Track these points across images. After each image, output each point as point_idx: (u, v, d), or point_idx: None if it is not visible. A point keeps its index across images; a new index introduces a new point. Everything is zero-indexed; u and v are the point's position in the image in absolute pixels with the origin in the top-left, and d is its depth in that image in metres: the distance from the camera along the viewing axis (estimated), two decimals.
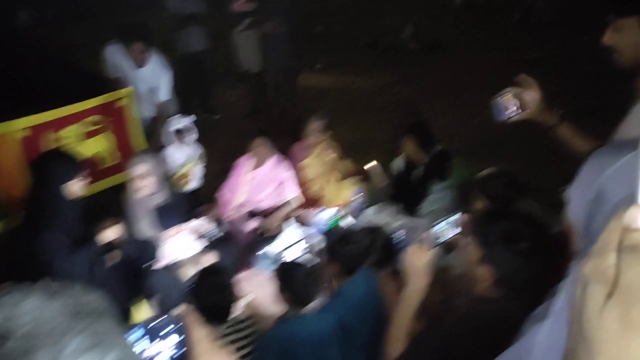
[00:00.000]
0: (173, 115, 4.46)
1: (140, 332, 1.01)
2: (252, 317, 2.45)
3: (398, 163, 4.06)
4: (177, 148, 4.20)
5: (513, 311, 1.70)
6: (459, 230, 1.87)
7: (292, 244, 2.81)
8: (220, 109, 6.68)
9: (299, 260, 2.50)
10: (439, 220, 1.91)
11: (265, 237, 3.80)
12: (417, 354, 1.72)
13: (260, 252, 3.77)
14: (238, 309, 2.45)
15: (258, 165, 4.06)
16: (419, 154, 3.83)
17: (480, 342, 1.64)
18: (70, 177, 2.73)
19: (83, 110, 3.79)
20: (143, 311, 3.08)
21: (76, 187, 2.78)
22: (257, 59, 6.20)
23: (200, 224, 3.56)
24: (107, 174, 4.11)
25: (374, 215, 4.03)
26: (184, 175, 4.03)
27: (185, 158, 4.20)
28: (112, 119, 4.11)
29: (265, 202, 4.13)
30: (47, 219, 2.66)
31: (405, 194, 4.00)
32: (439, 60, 7.85)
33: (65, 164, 2.78)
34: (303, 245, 2.82)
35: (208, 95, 6.60)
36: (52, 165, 2.74)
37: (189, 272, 3.34)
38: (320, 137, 4.20)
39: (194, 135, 4.23)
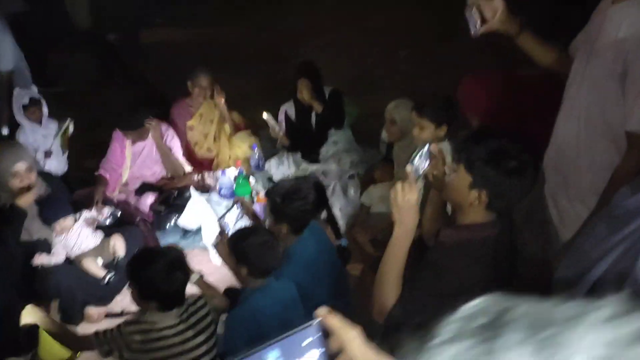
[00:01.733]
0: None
1: (275, 353, 0.75)
2: (203, 296, 2.16)
3: (289, 110, 3.85)
4: (31, 129, 3.51)
5: (506, 233, 1.68)
6: (430, 161, 1.78)
7: (225, 212, 2.51)
8: (61, 80, 5.78)
9: (242, 229, 2.22)
10: (414, 154, 1.82)
11: (168, 211, 3.41)
12: (418, 298, 1.62)
13: (167, 227, 3.40)
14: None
15: (138, 139, 3.58)
16: (313, 96, 3.65)
17: (482, 269, 1.59)
18: None
19: None
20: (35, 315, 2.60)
21: None
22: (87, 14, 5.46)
23: (94, 212, 3.08)
24: None
25: (275, 168, 3.84)
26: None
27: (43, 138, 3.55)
28: None
29: (154, 175, 3.69)
30: None
31: (303, 141, 3.84)
32: (293, 3, 7.62)
33: None
34: (235, 211, 2.53)
35: (43, 65, 5.65)
36: None
37: (92, 266, 2.91)
38: (204, 93, 3.81)
39: (45, 110, 3.56)
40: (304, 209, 2.26)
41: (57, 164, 3.63)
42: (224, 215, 2.47)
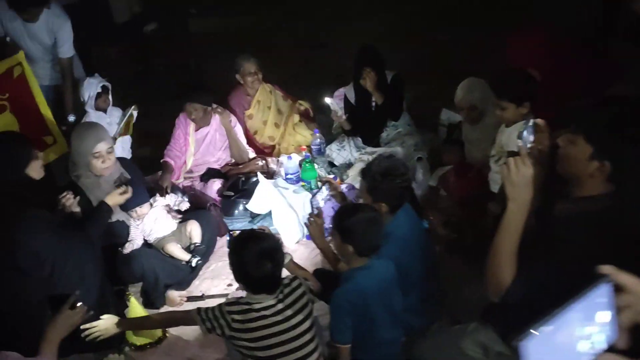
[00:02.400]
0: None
1: (573, 315, 0.76)
2: (297, 277, 2.19)
3: (348, 93, 3.84)
4: (97, 117, 3.54)
5: (624, 205, 1.66)
6: (537, 134, 1.80)
7: (315, 191, 2.51)
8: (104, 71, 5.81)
9: (346, 206, 2.23)
10: (520, 129, 1.79)
11: (237, 196, 3.44)
12: (536, 274, 1.61)
13: (236, 212, 3.43)
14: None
15: (201, 126, 3.61)
16: (376, 87, 3.62)
17: (601, 242, 1.57)
18: (30, 158, 2.55)
19: None
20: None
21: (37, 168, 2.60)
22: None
23: (170, 197, 3.11)
24: None
25: (336, 153, 3.85)
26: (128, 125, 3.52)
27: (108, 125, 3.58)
28: (10, 94, 3.33)
29: (218, 161, 3.73)
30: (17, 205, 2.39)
31: (364, 125, 3.83)
32: None
33: (22, 145, 2.59)
34: (324, 192, 2.54)
35: (87, 56, 5.68)
36: (13, 149, 2.55)
37: (176, 250, 2.96)
38: (257, 78, 3.82)
39: (111, 97, 3.59)
40: (404, 185, 2.27)
41: (121, 151, 3.66)
42: (314, 196, 2.49)
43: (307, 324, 2.09)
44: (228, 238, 3.19)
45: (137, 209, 2.93)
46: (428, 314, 2.44)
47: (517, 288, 1.64)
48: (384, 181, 2.24)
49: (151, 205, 3.02)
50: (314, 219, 2.46)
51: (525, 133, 1.83)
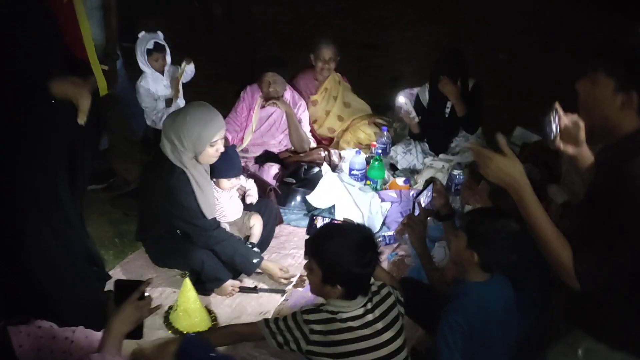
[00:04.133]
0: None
1: None
2: (386, 285, 1.90)
3: (421, 95, 3.57)
4: (153, 78, 3.22)
5: None
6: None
7: (419, 192, 2.22)
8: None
9: (484, 209, 1.94)
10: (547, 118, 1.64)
11: (297, 185, 3.14)
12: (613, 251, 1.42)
13: (292, 203, 3.13)
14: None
15: (269, 103, 3.32)
16: (459, 99, 3.36)
17: None
18: None
19: None
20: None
21: None
22: None
23: (250, 182, 2.82)
24: None
25: (401, 156, 3.58)
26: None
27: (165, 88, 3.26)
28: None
29: (278, 145, 3.42)
30: None
31: (435, 131, 3.56)
32: None
33: None
34: (428, 193, 2.24)
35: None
36: None
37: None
38: (328, 66, 3.55)
39: (169, 58, 3.26)
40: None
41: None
42: (418, 196, 2.20)
43: (399, 342, 1.80)
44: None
45: (226, 180, 2.62)
46: None
47: (591, 268, 1.45)
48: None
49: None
50: (416, 219, 2.18)
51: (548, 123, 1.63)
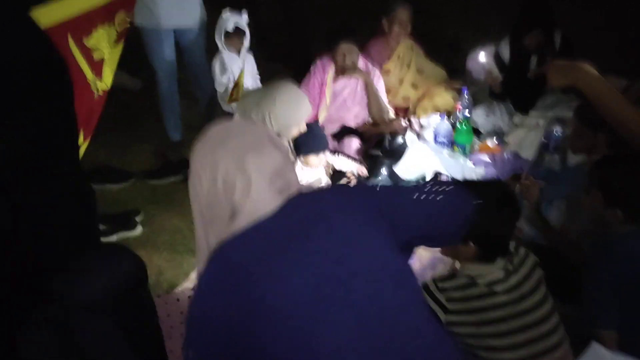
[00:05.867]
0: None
1: None
2: (520, 245, 1.72)
3: (502, 51, 3.33)
4: (229, 57, 3.08)
5: None
6: None
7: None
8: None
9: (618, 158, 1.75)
10: None
11: (382, 156, 2.98)
12: None
13: (380, 176, 2.98)
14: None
15: (343, 75, 3.15)
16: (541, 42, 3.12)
17: None
18: None
19: (108, 4, 2.43)
20: None
21: None
22: None
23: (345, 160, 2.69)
24: None
25: (484, 118, 3.36)
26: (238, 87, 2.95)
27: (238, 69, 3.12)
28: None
29: (356, 118, 3.27)
30: None
31: (519, 89, 3.32)
32: None
33: None
34: None
35: None
36: None
37: None
38: (405, 30, 3.36)
39: (247, 42, 3.12)
40: None
41: None
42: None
43: (548, 306, 1.62)
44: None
45: (315, 156, 2.50)
46: None
47: None
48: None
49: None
50: (532, 180, 2.01)
51: None
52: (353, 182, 2.69)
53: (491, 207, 1.53)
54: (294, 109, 2.25)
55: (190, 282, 2.47)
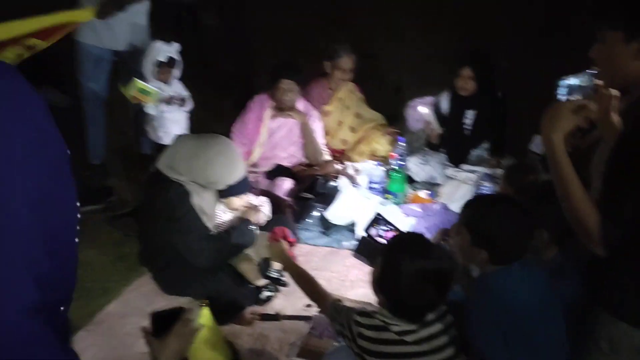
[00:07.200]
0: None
1: None
2: None
3: (442, 103, 3.38)
4: (159, 87, 2.97)
5: None
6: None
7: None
8: None
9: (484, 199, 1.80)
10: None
11: (313, 200, 2.91)
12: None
13: (310, 220, 2.90)
14: None
15: (280, 114, 3.09)
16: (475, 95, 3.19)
17: None
18: None
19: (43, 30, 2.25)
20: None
21: None
22: None
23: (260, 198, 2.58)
24: None
25: (418, 167, 3.38)
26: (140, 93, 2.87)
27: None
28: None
29: (290, 158, 3.19)
30: None
31: (454, 141, 3.36)
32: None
33: None
34: None
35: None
36: None
37: (251, 273, 2.45)
38: (347, 76, 3.36)
39: (177, 72, 3.03)
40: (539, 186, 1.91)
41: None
42: (368, 228, 2.02)
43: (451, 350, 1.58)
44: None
45: (235, 198, 2.39)
46: None
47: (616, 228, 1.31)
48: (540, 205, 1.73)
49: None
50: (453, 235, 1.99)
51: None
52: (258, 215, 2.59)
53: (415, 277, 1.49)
54: (227, 173, 2.22)
55: (95, 324, 2.27)
